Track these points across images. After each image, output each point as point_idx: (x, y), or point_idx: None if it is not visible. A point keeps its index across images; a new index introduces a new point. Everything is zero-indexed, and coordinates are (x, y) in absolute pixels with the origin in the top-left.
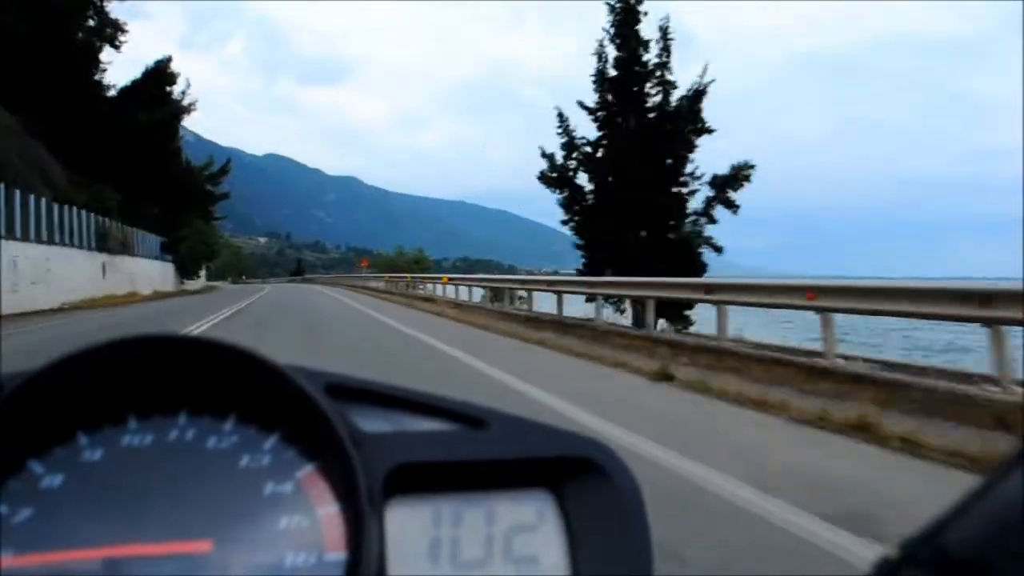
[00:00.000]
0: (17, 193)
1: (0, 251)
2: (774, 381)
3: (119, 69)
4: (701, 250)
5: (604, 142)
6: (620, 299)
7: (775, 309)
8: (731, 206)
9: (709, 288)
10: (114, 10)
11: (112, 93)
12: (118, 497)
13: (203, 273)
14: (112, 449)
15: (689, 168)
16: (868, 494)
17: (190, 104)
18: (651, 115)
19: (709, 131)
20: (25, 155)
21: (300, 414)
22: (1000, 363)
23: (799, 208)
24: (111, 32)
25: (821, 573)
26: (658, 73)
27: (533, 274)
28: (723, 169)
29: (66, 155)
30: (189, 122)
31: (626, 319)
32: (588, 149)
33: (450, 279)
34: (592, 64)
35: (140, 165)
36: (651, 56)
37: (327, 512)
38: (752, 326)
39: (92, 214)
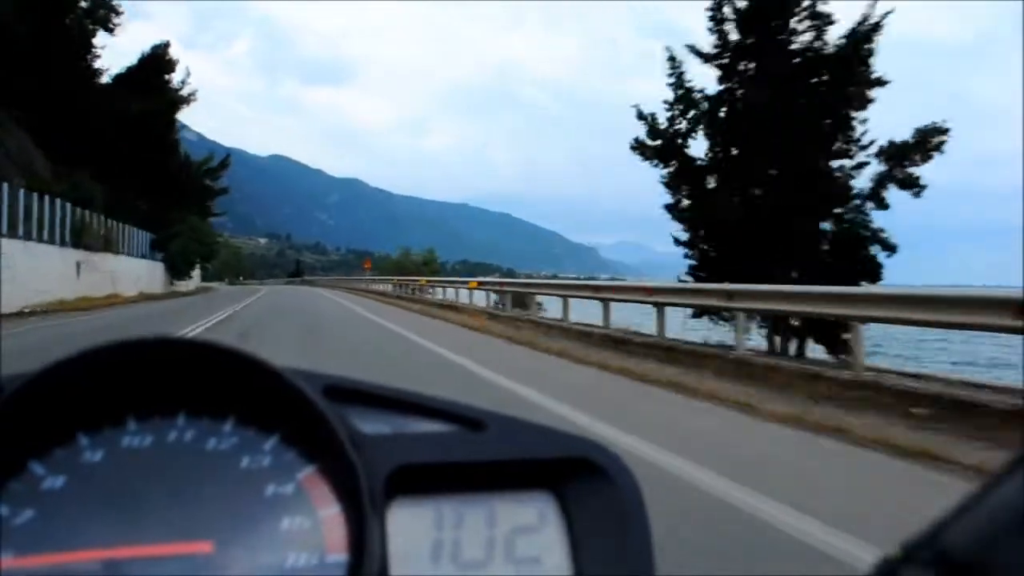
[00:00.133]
0: None
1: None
2: None
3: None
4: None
5: (728, 98)
6: (738, 314)
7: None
8: (912, 185)
9: (892, 301)
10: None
11: (105, 80)
12: (119, 498)
13: (196, 273)
14: (112, 450)
15: (845, 137)
16: None
17: (189, 95)
18: (798, 59)
19: (881, 83)
20: (2, 142)
21: (299, 416)
22: None
23: None
24: (104, 14)
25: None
26: (807, 2)
27: (532, 277)
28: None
29: (52, 144)
30: (192, 122)
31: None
32: (705, 106)
33: (480, 284)
34: None
35: (132, 156)
36: None
37: (328, 513)
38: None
39: (69, 205)
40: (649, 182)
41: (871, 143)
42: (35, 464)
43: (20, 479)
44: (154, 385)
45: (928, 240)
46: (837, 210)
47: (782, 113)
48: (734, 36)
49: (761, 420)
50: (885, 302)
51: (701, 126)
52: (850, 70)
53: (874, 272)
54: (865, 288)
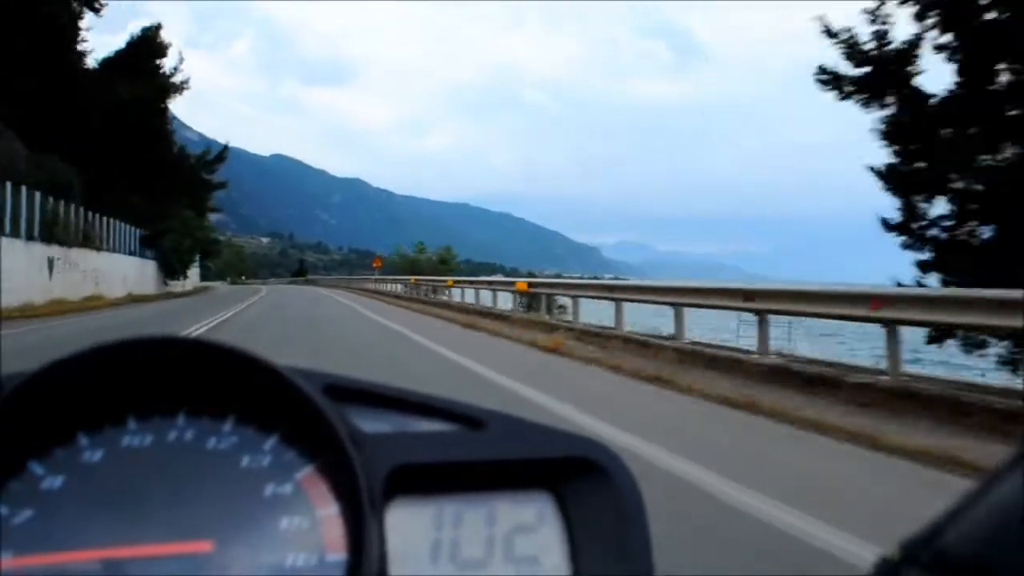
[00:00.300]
0: None
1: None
2: None
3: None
4: None
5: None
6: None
7: None
8: None
9: None
10: (116, 8)
11: (92, 64)
12: (119, 498)
13: (194, 272)
14: (112, 450)
15: None
16: None
17: (182, 82)
18: None
19: None
20: None
21: (299, 415)
22: None
23: (800, 213)
24: None
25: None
26: None
27: (534, 275)
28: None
29: (31, 131)
30: (194, 122)
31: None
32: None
33: (530, 285)
34: None
35: (120, 145)
36: None
37: (328, 513)
38: None
39: (39, 195)
40: (650, 181)
41: None
42: (34, 464)
43: (19, 479)
44: (154, 384)
45: None
46: None
47: None
48: None
49: None
50: None
51: (936, 37)
52: None
53: None
54: None
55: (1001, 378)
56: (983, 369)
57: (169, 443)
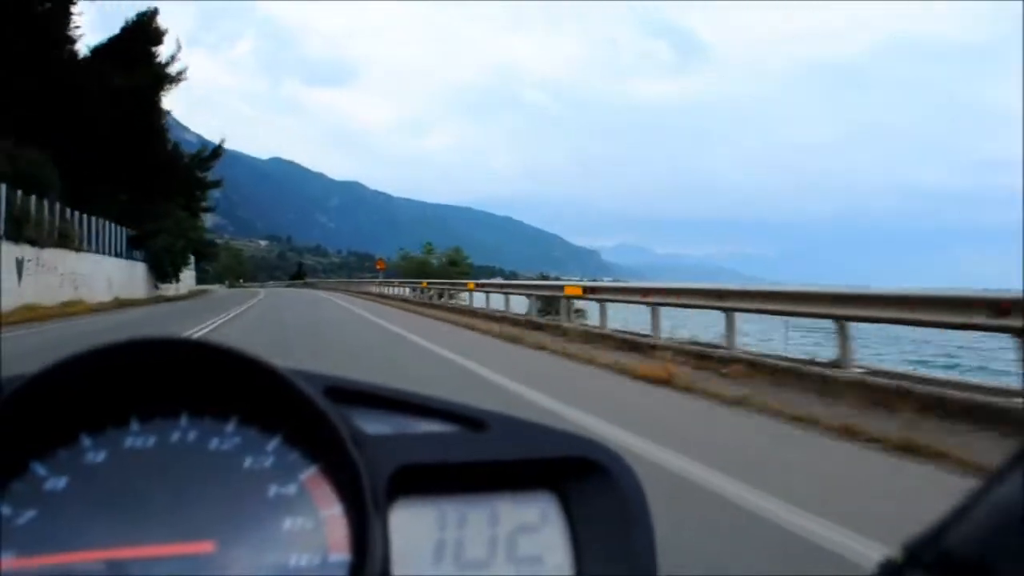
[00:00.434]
0: None
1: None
2: None
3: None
4: None
5: None
6: None
7: None
8: None
9: None
10: (116, 8)
11: (83, 50)
12: (121, 498)
13: (189, 275)
14: (115, 451)
15: None
16: None
17: (179, 73)
18: None
19: None
20: None
21: (301, 416)
22: None
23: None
24: None
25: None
26: None
27: (546, 278)
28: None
29: (8, 119)
30: (192, 123)
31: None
32: None
33: (588, 289)
34: None
35: (109, 137)
36: None
37: (331, 514)
38: None
39: (4, 187)
40: (649, 182)
41: None
42: (37, 464)
43: (22, 479)
44: (157, 385)
45: None
46: None
47: None
48: None
49: None
50: None
51: None
52: None
53: None
54: None
55: None
56: None
57: (172, 444)
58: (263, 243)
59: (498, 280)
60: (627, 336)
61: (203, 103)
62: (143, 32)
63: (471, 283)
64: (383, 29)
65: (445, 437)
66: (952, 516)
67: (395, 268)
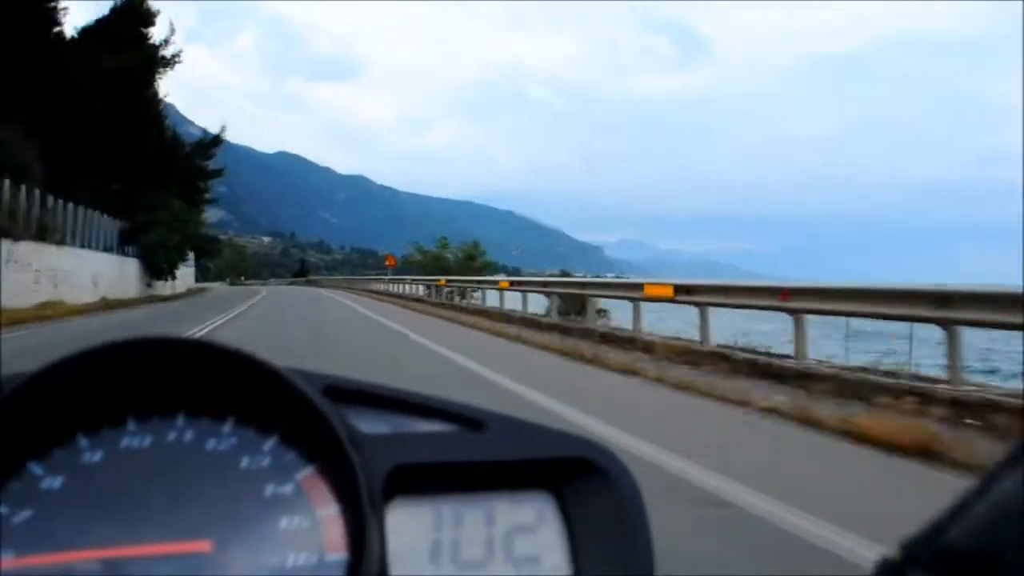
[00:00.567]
0: None
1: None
2: None
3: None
4: None
5: None
6: None
7: None
8: None
9: None
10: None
11: (71, 31)
12: (118, 498)
13: (188, 272)
14: (112, 450)
15: None
16: None
17: (173, 56)
18: None
19: None
20: None
21: (299, 416)
22: None
23: (802, 213)
24: None
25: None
26: None
27: (541, 274)
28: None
29: None
30: (197, 117)
31: None
32: None
33: (680, 289)
34: None
35: (98, 121)
36: None
37: (328, 513)
38: None
39: None
40: (651, 177)
41: None
42: (34, 464)
43: (19, 479)
44: (153, 385)
45: None
46: None
47: None
48: None
49: None
50: None
51: None
52: None
53: None
54: None
55: None
56: None
57: (168, 444)
58: (267, 239)
59: (500, 276)
60: (747, 354)
61: (207, 100)
62: (134, 13)
63: (504, 281)
64: (385, 26)
65: (442, 437)
66: (949, 514)
67: (406, 264)
